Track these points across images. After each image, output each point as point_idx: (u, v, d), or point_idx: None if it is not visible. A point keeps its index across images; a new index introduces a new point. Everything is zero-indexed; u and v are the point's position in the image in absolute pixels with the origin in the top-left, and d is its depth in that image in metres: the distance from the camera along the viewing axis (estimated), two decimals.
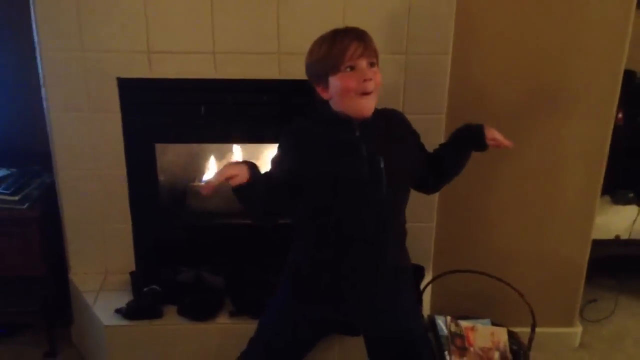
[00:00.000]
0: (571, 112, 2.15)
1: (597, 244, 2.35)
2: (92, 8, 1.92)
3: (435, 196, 2.19)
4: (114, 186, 2.14)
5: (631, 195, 2.59)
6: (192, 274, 2.17)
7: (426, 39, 1.98)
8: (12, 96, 2.35)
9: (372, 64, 1.53)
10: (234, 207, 2.25)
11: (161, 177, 2.19)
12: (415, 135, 1.72)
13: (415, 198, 2.16)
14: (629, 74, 2.34)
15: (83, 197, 2.14)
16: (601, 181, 2.24)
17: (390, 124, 1.66)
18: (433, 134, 1.93)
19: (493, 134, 1.67)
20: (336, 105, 1.57)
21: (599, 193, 2.27)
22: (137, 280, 2.16)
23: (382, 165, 1.56)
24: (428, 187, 1.82)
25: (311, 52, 1.56)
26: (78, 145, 2.08)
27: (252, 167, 1.49)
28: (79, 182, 2.12)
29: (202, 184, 1.48)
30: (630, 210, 2.56)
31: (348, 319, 1.83)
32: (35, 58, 1.99)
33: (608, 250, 2.55)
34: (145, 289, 2.09)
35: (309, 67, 1.58)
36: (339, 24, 1.85)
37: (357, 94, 1.51)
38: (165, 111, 2.05)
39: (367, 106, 1.55)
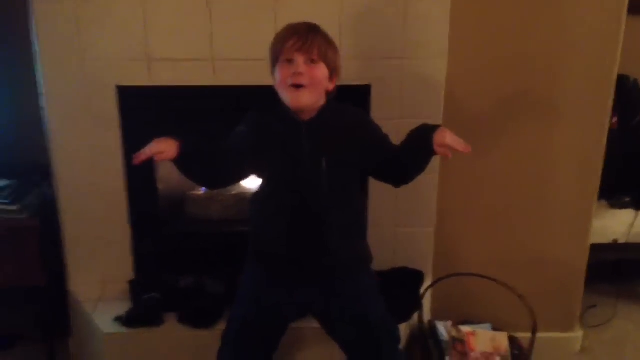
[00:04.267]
0: (566, 116, 2.17)
1: (595, 248, 2.35)
2: (92, 16, 1.94)
3: (434, 201, 2.20)
4: (113, 195, 2.14)
5: (628, 199, 2.60)
6: (193, 280, 2.16)
7: (422, 43, 2.01)
8: (10, 106, 2.36)
9: (312, 61, 1.57)
10: (233, 214, 2.30)
11: (160, 186, 2.20)
12: (370, 130, 1.70)
13: (414, 203, 2.19)
14: (622, 78, 2.37)
15: (82, 206, 2.13)
16: (598, 185, 2.25)
17: (341, 123, 1.66)
18: None
19: (443, 140, 1.49)
20: (281, 99, 1.63)
21: (596, 197, 2.27)
22: (137, 288, 2.15)
23: (323, 165, 1.62)
24: (392, 181, 1.73)
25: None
26: (77, 154, 2.08)
27: (183, 142, 1.56)
28: (78, 191, 2.12)
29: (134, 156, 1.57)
30: (627, 214, 2.57)
31: (302, 303, 1.80)
32: (34, 66, 2.01)
33: (606, 255, 2.56)
34: (145, 297, 2.09)
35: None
36: (336, 29, 1.88)
37: (288, 85, 1.57)
38: (165, 119, 2.05)
39: (297, 99, 1.58)
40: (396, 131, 1.76)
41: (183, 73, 2.00)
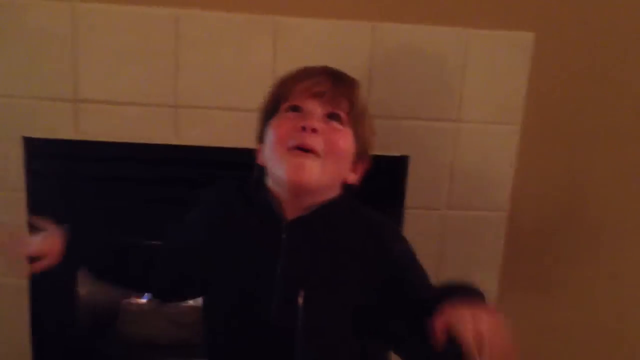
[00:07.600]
0: None
1: None
2: None
3: None
4: (9, 300, 1.47)
5: None
6: None
7: (487, 102, 1.41)
8: None
9: (333, 117, 0.99)
10: (187, 336, 1.61)
11: (82, 290, 1.54)
12: (401, 261, 1.02)
13: None
14: None
15: None
16: None
17: (350, 236, 1.01)
18: (489, 239, 1.31)
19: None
20: (270, 174, 1.02)
21: None
22: None
23: (300, 301, 0.98)
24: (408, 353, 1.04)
25: None
26: None
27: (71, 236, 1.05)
28: None
29: None
30: None
31: None
32: None
33: None
34: None
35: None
36: (363, 73, 1.32)
37: (289, 147, 0.95)
38: (95, 190, 1.43)
39: (302, 169, 0.94)
40: (442, 225, 1.34)
41: (127, 124, 1.37)
